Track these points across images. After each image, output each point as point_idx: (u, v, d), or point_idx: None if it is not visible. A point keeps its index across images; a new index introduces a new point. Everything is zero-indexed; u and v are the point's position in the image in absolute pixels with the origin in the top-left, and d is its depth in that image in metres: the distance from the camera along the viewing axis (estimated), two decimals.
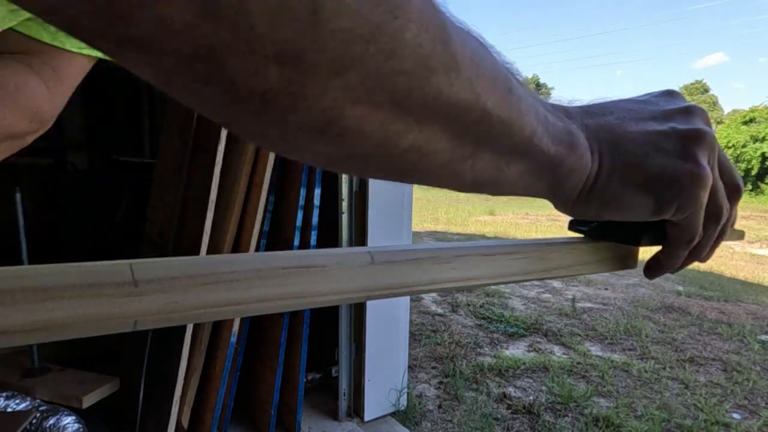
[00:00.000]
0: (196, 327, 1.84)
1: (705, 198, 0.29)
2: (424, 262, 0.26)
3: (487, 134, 0.22)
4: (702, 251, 0.33)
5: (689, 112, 0.31)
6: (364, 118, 0.18)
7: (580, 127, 0.28)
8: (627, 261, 0.37)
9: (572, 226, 0.36)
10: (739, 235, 0.42)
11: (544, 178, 0.27)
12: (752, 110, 20.25)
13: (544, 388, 2.66)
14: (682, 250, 0.32)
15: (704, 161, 0.29)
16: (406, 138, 0.20)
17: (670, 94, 0.33)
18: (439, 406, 2.44)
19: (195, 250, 1.76)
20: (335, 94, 0.17)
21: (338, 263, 0.23)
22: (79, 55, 0.42)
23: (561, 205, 0.31)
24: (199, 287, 0.19)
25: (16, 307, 0.15)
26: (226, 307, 0.19)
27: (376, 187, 2.03)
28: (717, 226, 0.32)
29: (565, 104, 0.30)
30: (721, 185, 0.31)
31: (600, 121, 0.29)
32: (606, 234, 0.35)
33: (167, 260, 0.19)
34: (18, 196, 1.89)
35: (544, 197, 0.30)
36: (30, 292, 0.16)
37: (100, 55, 0.43)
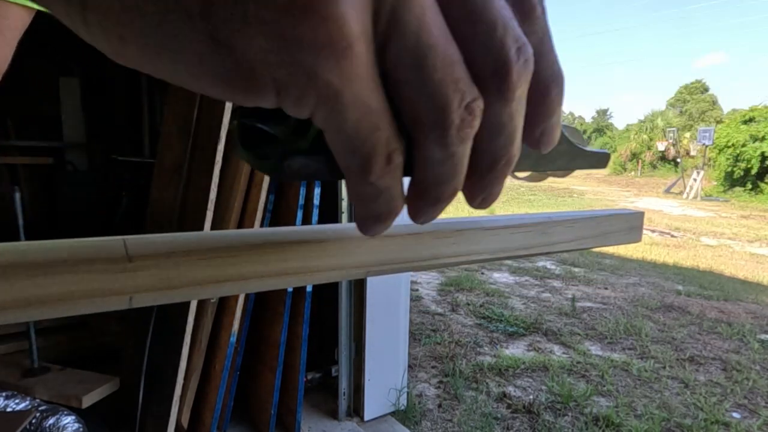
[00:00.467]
0: (196, 327, 1.84)
1: (345, 74, 0.13)
2: (425, 237, 0.25)
3: None
4: (437, 189, 0.17)
5: None
6: None
7: None
8: (632, 234, 0.33)
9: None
10: (591, 162, 0.24)
11: None
12: (752, 110, 20.25)
13: (543, 387, 2.66)
14: (359, 182, 0.16)
15: None
16: None
17: None
18: (439, 406, 2.44)
19: None
20: None
21: (338, 238, 0.22)
22: (15, 5, 0.41)
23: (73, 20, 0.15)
24: (195, 262, 0.18)
25: (8, 283, 0.15)
26: (224, 283, 0.19)
27: None
28: (442, 140, 0.15)
29: None
30: (435, 49, 0.14)
31: None
32: (246, 138, 0.18)
33: (162, 236, 0.18)
34: (18, 195, 1.89)
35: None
36: (21, 267, 0.15)
37: (36, 6, 0.43)
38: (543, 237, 0.29)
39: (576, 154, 0.23)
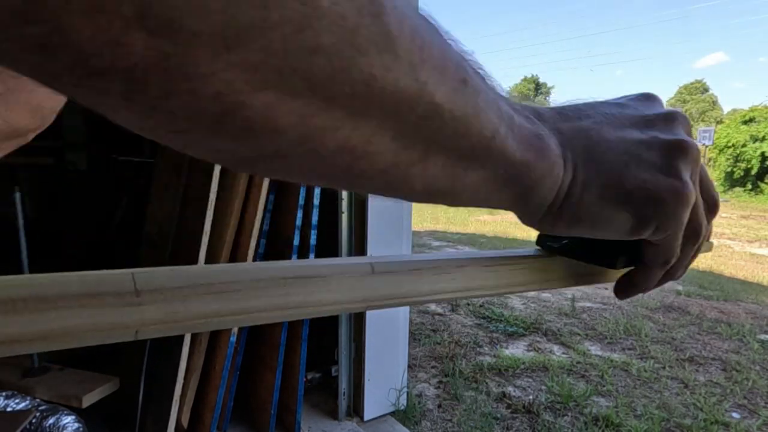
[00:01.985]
0: None
1: (686, 217, 0.27)
2: (425, 273, 0.26)
3: (437, 133, 0.19)
4: (677, 271, 0.31)
5: (671, 119, 0.28)
6: (275, 109, 0.14)
7: (552, 131, 0.25)
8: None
9: (541, 242, 0.33)
10: (708, 248, 0.40)
11: (508, 188, 0.23)
12: (752, 110, 20.25)
13: (543, 387, 2.66)
14: (657, 270, 0.30)
15: (687, 176, 0.26)
16: (334, 136, 0.16)
17: (648, 97, 0.30)
18: (439, 406, 2.44)
19: (195, 250, 1.76)
20: (229, 74, 0.13)
21: (339, 273, 0.23)
22: None
23: (527, 219, 0.27)
24: (201, 297, 0.19)
25: (18, 317, 0.15)
26: (228, 317, 0.19)
27: None
28: (695, 245, 0.30)
29: (535, 104, 0.27)
30: (701, 201, 0.28)
31: (575, 126, 0.26)
32: (578, 253, 0.32)
33: (169, 269, 0.19)
34: (17, 195, 1.89)
35: (509, 209, 0.26)
36: (32, 301, 0.16)
37: None
38: (542, 274, 0.31)
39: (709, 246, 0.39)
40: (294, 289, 0.21)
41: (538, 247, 0.33)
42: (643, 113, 0.28)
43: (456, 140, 0.20)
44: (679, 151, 0.26)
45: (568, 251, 0.32)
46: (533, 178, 0.24)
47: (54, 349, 0.16)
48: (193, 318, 0.18)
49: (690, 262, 0.32)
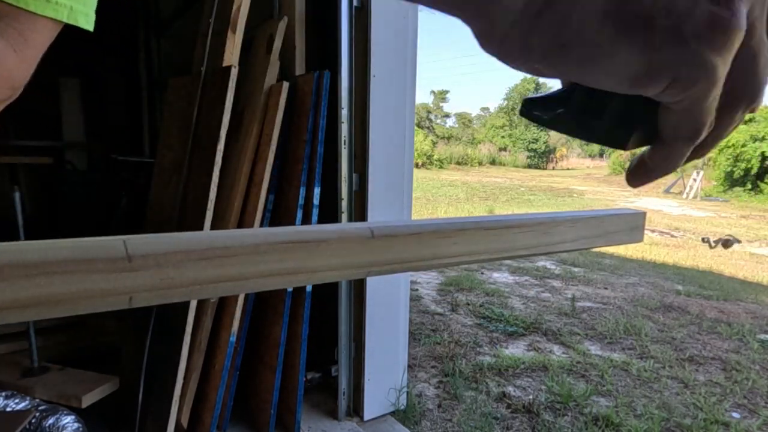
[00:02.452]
0: (196, 326, 1.84)
1: (725, 65, 0.18)
2: (426, 236, 0.25)
3: None
4: (708, 148, 0.22)
5: None
6: None
7: None
8: (634, 234, 0.34)
9: (527, 111, 0.24)
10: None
11: None
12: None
13: (543, 387, 2.66)
14: (680, 147, 0.21)
15: (742, 6, 0.17)
16: None
17: None
18: (439, 406, 2.44)
19: None
20: None
21: (338, 238, 0.22)
22: (43, 18, 0.41)
23: (487, 36, 0.19)
24: (195, 262, 0.18)
25: (7, 283, 0.15)
26: (224, 283, 0.19)
27: (376, 186, 2.03)
28: (737, 113, 0.21)
29: None
30: (764, 49, 0.19)
31: None
32: (574, 125, 0.23)
33: (162, 236, 0.18)
34: (17, 195, 1.89)
35: (463, 15, 0.19)
36: (20, 267, 0.15)
37: (64, 18, 0.42)
38: (545, 237, 0.29)
39: None
40: (292, 254, 0.21)
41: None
42: None
43: None
44: None
45: (560, 123, 0.23)
46: None
47: (48, 317, 0.16)
48: (187, 284, 0.18)
49: (729, 132, 0.22)
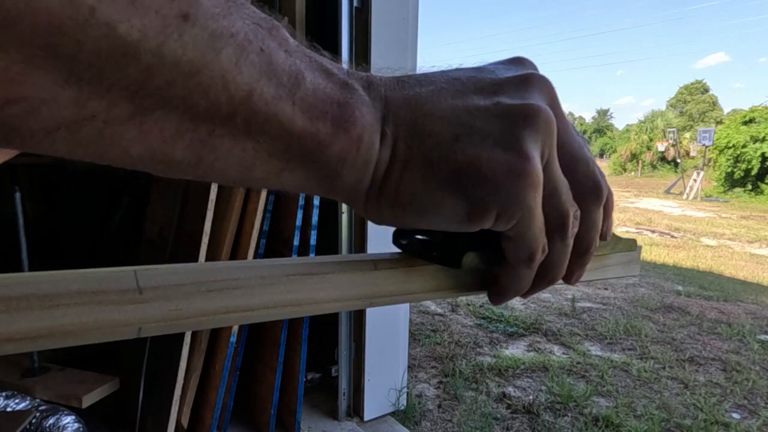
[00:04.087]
0: None
1: (535, 200, 0.21)
2: (429, 269, 0.26)
3: (144, 82, 0.15)
4: (555, 270, 0.25)
5: (524, 81, 0.22)
6: None
7: (376, 101, 0.21)
8: (631, 267, 0.35)
9: (394, 239, 0.27)
10: (628, 246, 0.34)
11: (293, 164, 0.19)
12: (752, 110, 20.24)
13: (543, 387, 2.66)
14: (522, 269, 0.24)
15: (533, 150, 0.21)
16: None
17: (515, 61, 0.24)
18: (439, 406, 2.44)
19: (195, 250, 1.77)
20: None
21: (342, 271, 0.23)
22: None
23: (353, 207, 0.23)
24: (204, 294, 0.19)
25: (21, 314, 0.15)
26: (231, 314, 0.19)
27: None
28: (563, 238, 0.24)
29: (375, 73, 0.22)
30: (563, 183, 0.23)
31: (407, 95, 0.21)
32: (427, 251, 0.26)
33: (172, 267, 0.19)
34: (18, 195, 1.89)
35: (316, 193, 0.23)
36: (34, 299, 0.16)
37: None
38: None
39: (617, 240, 0.33)
40: (297, 285, 0.21)
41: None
42: (495, 77, 0.23)
43: (181, 94, 0.16)
44: (524, 119, 0.21)
45: (417, 249, 0.26)
46: (329, 154, 0.20)
47: (58, 347, 0.16)
48: (196, 315, 0.18)
49: (579, 262, 0.26)
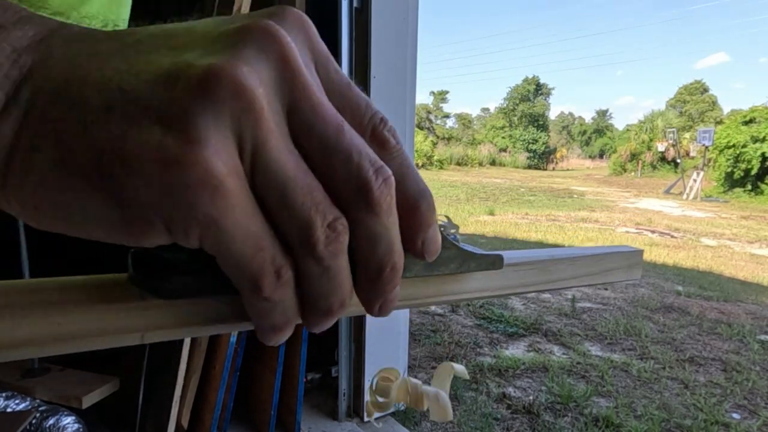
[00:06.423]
0: None
1: (219, 207, 0.15)
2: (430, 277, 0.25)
3: None
4: (325, 300, 0.18)
5: (238, 33, 0.16)
6: None
7: (16, 51, 0.15)
8: (632, 271, 0.35)
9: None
10: (490, 263, 0.26)
11: None
12: (752, 110, 20.23)
13: (543, 388, 2.66)
14: (256, 300, 0.17)
15: (207, 131, 0.14)
16: None
17: (271, 13, 0.17)
18: None
19: None
20: None
21: None
22: None
23: None
24: (207, 300, 0.19)
25: (25, 321, 0.15)
26: (238, 322, 0.19)
27: None
28: (316, 258, 0.17)
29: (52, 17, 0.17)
30: (293, 179, 0.16)
31: (80, 49, 0.16)
32: (155, 282, 0.18)
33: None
34: None
35: None
36: (37, 305, 0.16)
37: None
38: (544, 275, 0.30)
39: (467, 257, 0.25)
40: None
41: None
42: (217, 29, 0.16)
43: None
44: (196, 85, 0.15)
45: (141, 280, 0.18)
46: None
47: (62, 353, 0.16)
48: (199, 322, 0.18)
49: (380, 289, 0.19)
